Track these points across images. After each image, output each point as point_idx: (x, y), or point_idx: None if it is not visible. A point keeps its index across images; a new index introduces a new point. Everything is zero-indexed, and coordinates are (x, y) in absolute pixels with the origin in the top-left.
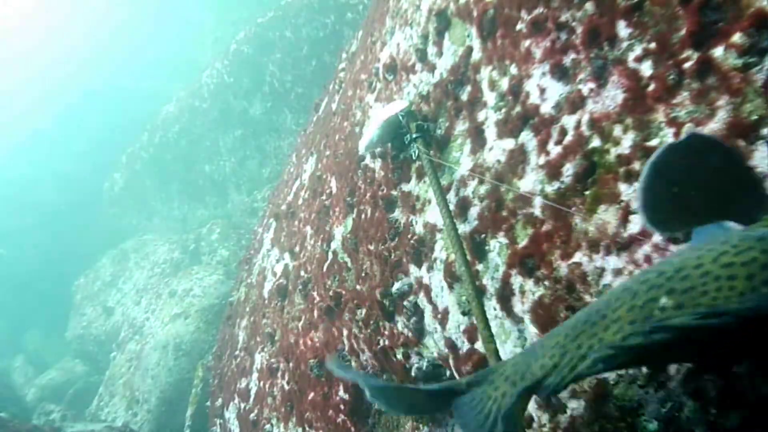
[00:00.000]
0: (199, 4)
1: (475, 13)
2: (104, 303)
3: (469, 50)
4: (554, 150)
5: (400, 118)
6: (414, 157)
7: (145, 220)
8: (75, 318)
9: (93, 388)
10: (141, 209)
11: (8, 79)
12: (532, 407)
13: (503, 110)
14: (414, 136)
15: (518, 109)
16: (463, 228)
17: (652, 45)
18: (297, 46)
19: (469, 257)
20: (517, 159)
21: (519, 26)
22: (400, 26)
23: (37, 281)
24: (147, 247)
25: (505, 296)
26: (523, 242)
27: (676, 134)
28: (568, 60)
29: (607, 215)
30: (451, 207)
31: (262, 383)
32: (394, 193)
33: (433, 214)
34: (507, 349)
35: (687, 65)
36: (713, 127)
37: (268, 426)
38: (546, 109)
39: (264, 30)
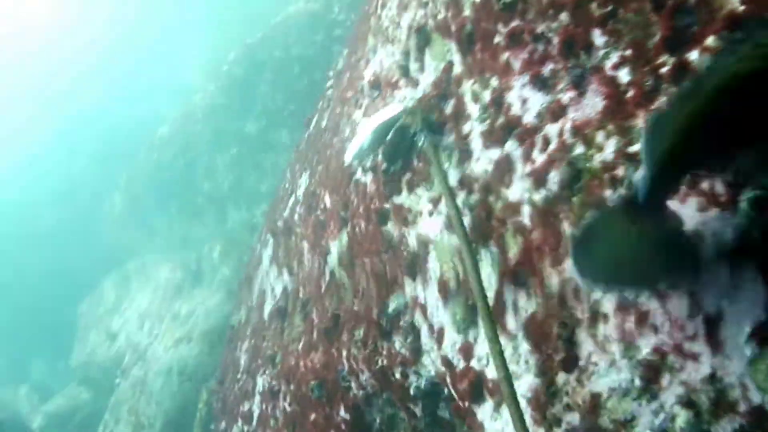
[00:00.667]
0: (191, 27)
1: (453, 29)
2: (108, 328)
3: (450, 65)
4: (539, 158)
5: (400, 118)
6: (419, 147)
7: (146, 240)
8: (79, 344)
9: (98, 414)
10: (141, 229)
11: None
12: (528, 422)
13: (487, 121)
14: (420, 127)
15: (502, 119)
16: (456, 239)
17: (628, 52)
18: (288, 65)
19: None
20: (504, 168)
21: (497, 39)
22: (382, 44)
23: (40, 307)
24: (148, 269)
25: (497, 312)
26: (513, 251)
27: None
28: (546, 70)
29: None
30: (442, 218)
31: (264, 406)
32: (387, 206)
33: (425, 226)
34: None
35: (663, 70)
36: None
37: None
38: (529, 118)
39: (254, 51)
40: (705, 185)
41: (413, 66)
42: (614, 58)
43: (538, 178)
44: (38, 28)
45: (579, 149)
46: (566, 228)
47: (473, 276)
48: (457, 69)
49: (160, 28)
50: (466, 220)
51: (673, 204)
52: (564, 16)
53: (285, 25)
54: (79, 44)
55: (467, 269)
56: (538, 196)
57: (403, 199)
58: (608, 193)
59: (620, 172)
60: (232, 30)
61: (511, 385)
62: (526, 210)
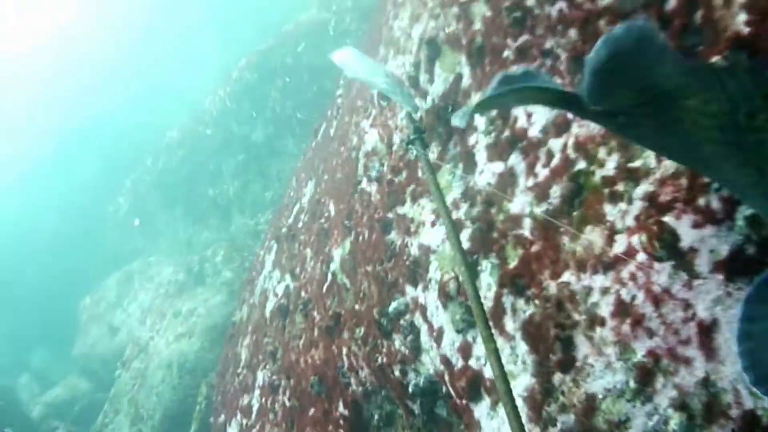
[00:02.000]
0: (201, 32)
1: (464, 41)
2: (110, 323)
3: (460, 77)
4: (542, 172)
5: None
6: (412, 158)
7: (150, 243)
8: (81, 337)
9: (97, 405)
10: (146, 232)
11: (10, 106)
12: (524, 421)
13: (493, 134)
14: (412, 137)
15: (507, 133)
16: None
17: None
18: (298, 73)
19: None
20: (507, 181)
21: (506, 53)
22: (393, 54)
23: (43, 301)
24: (151, 269)
25: (497, 315)
26: (513, 263)
27: (659, 156)
28: None
29: (593, 235)
30: (444, 229)
31: (264, 400)
32: (390, 215)
33: (427, 236)
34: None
35: None
36: None
37: None
38: (534, 132)
39: (265, 57)
40: (701, 201)
41: (423, 77)
42: None
43: (541, 192)
44: (48, 31)
45: (581, 164)
46: (566, 242)
47: (466, 277)
48: (466, 81)
49: (171, 32)
50: (468, 232)
51: (669, 220)
52: (573, 33)
53: (296, 33)
54: (89, 47)
55: (460, 272)
56: (540, 210)
57: (407, 209)
58: (608, 208)
59: (620, 187)
60: (244, 36)
61: (507, 383)
62: (527, 223)
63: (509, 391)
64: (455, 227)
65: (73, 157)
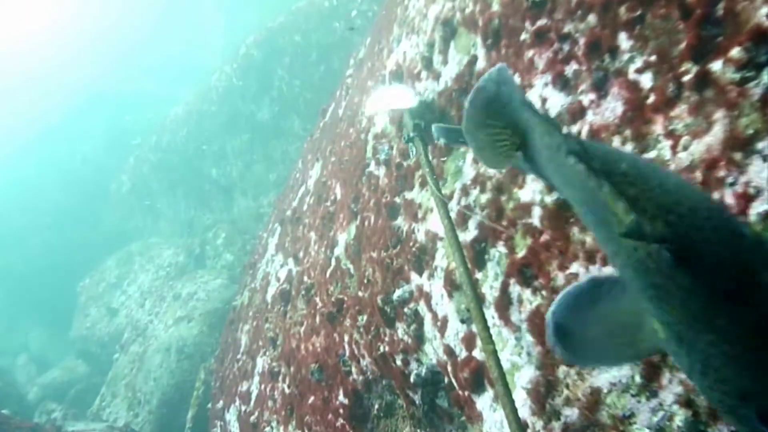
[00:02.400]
0: (208, 8)
1: (480, 23)
2: (108, 304)
3: (474, 59)
4: None
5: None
6: (411, 156)
7: (151, 223)
8: (79, 318)
9: (95, 388)
10: (147, 212)
11: (14, 80)
12: (527, 413)
13: None
14: (411, 135)
15: None
16: (464, 237)
17: (653, 57)
18: (306, 52)
19: (469, 266)
20: (518, 169)
21: (523, 36)
22: (407, 34)
23: (42, 281)
24: (152, 250)
25: (503, 305)
26: (522, 252)
27: (674, 146)
28: (570, 71)
29: None
30: (452, 216)
31: (263, 386)
32: (398, 200)
33: (434, 223)
34: (504, 357)
35: (686, 78)
36: (709, 140)
37: (268, 429)
38: None
39: (274, 35)
40: (715, 196)
41: (437, 58)
42: (638, 62)
43: None
44: (53, 12)
45: None
46: (575, 232)
47: (465, 278)
48: (481, 64)
49: (178, 6)
50: (476, 219)
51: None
52: (592, 18)
53: (306, 11)
54: (98, 25)
55: (457, 268)
56: (550, 199)
57: (415, 194)
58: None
59: None
60: (252, 12)
61: (506, 385)
62: (536, 211)
63: (509, 392)
64: (454, 228)
65: (77, 131)
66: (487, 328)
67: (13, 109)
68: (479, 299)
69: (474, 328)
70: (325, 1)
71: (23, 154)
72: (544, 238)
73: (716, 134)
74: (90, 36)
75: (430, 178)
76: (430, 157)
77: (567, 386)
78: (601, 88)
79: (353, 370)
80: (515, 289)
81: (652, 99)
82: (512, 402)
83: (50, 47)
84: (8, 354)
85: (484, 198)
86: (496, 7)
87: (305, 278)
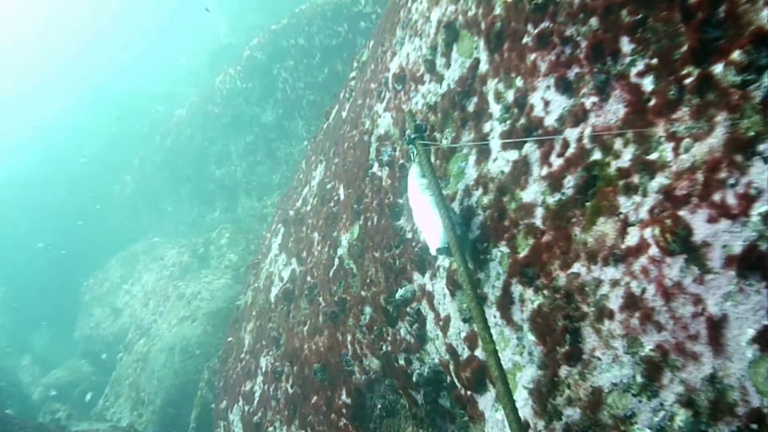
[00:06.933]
0: (213, 10)
1: (483, 26)
2: (112, 304)
3: (477, 62)
4: (556, 162)
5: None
6: (412, 157)
7: (156, 223)
8: (83, 318)
9: (99, 388)
10: (151, 212)
11: (17, 78)
12: (528, 413)
13: (508, 122)
14: (412, 136)
15: (523, 121)
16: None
17: (654, 60)
18: (310, 54)
19: (470, 265)
20: (521, 170)
21: (525, 39)
22: (410, 37)
23: (46, 281)
24: (156, 250)
25: (505, 304)
26: (524, 252)
27: (675, 148)
28: (572, 74)
29: (605, 227)
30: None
31: (266, 386)
32: (401, 201)
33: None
34: (506, 356)
35: (687, 81)
36: (711, 142)
37: (271, 429)
38: (550, 121)
39: (277, 37)
40: (717, 197)
41: (439, 61)
42: (640, 65)
43: (554, 182)
44: (60, 9)
45: (596, 155)
46: (577, 232)
47: (465, 278)
48: (483, 67)
49: (183, 7)
50: (479, 219)
51: (683, 213)
52: (594, 21)
53: (310, 13)
54: (103, 25)
55: (459, 273)
56: (552, 200)
57: None
58: (622, 200)
59: (635, 179)
60: (256, 14)
61: (506, 386)
62: (539, 212)
63: (509, 392)
64: (455, 228)
65: (81, 131)
66: (487, 328)
67: (16, 109)
68: (479, 299)
69: (475, 327)
70: (329, 3)
71: (25, 154)
72: (546, 238)
73: (718, 136)
74: (95, 36)
75: (429, 177)
76: (431, 158)
77: (568, 386)
78: (603, 91)
79: (356, 369)
80: (517, 288)
81: (653, 102)
82: (512, 402)
83: (55, 45)
84: (12, 355)
85: (487, 199)
86: (498, 10)
87: (308, 278)
